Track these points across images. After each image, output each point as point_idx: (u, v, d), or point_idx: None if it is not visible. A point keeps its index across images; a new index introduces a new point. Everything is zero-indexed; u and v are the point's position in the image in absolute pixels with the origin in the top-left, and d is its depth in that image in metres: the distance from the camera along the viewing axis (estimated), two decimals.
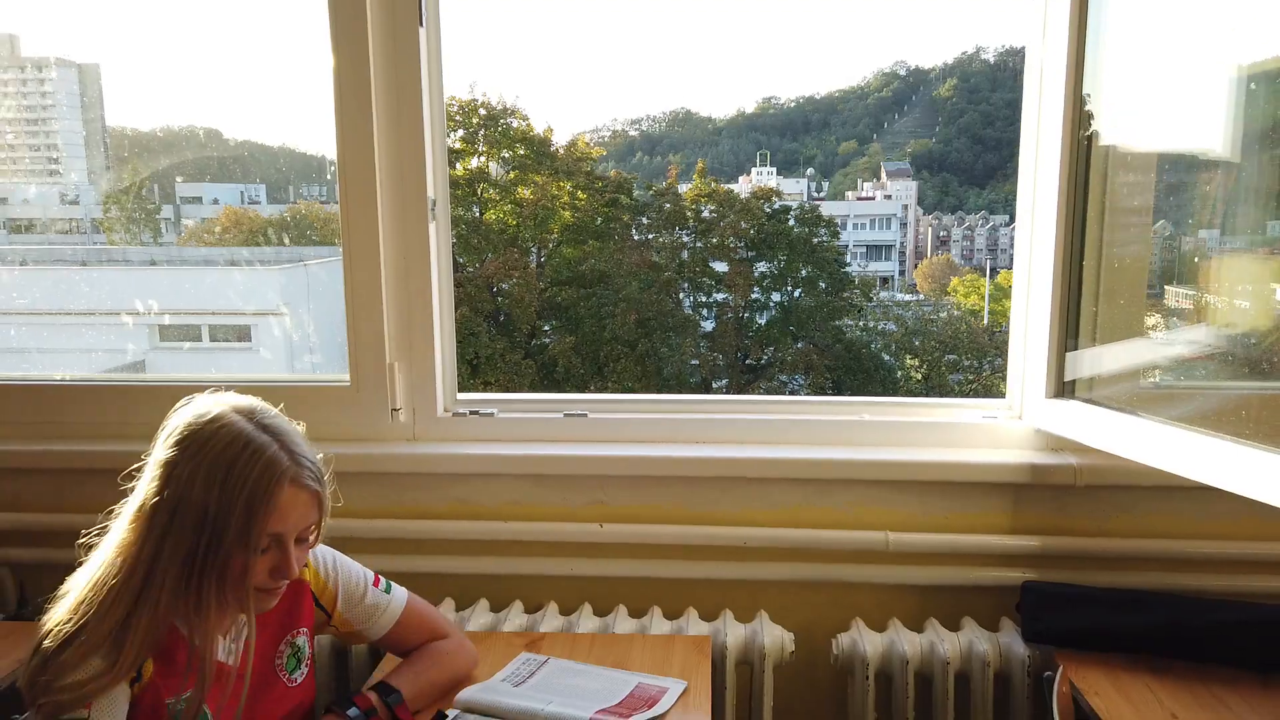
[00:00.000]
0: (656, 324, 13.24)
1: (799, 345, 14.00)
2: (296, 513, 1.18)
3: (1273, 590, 1.68)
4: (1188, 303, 1.80)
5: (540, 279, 13.55)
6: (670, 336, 13.32)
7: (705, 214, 14.58)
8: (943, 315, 16.55)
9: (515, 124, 14.20)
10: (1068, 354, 1.71)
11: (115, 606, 1.13)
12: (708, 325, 14.30)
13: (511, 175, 13.97)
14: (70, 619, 1.13)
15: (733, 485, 1.81)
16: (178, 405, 1.22)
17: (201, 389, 1.31)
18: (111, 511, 1.23)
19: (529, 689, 1.45)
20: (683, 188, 15.13)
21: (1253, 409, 1.50)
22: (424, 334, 1.86)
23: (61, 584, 1.20)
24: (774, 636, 1.69)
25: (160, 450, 1.17)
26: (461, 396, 1.92)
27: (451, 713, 1.39)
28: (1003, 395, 1.87)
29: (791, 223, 14.83)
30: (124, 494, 1.22)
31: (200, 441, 1.15)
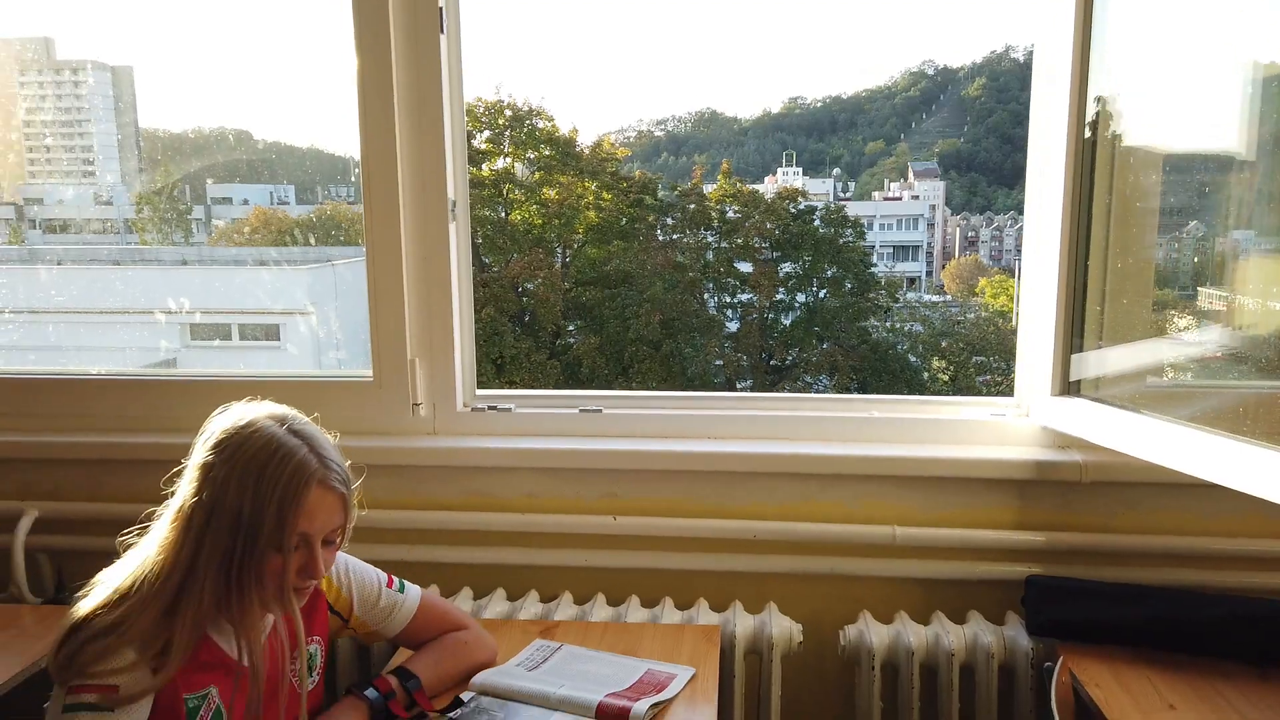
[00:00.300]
0: (680, 324, 13.28)
1: (824, 346, 13.98)
2: (324, 513, 1.23)
3: (1276, 586, 1.70)
4: (1200, 303, 1.81)
5: (565, 279, 13.62)
6: (694, 337, 13.35)
7: (730, 214, 14.59)
8: (970, 316, 16.44)
9: (540, 125, 14.29)
10: (1075, 354, 1.74)
11: (155, 602, 1.19)
12: (732, 326, 14.30)
13: (537, 176, 14.06)
14: (108, 610, 1.19)
15: (743, 480, 1.85)
16: (215, 412, 1.28)
17: (231, 384, 1.39)
18: (148, 506, 1.29)
19: (542, 673, 1.50)
20: (708, 188, 15.14)
21: (1255, 407, 1.52)
22: (444, 331, 1.91)
23: (96, 571, 1.27)
24: (782, 627, 1.73)
25: (198, 454, 1.23)
26: (480, 392, 1.98)
27: (468, 695, 1.44)
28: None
29: (817, 223, 14.80)
30: (157, 483, 1.28)
31: (235, 446, 1.21)
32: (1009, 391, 1.93)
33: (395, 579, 1.50)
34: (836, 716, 1.85)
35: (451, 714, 1.39)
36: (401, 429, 1.94)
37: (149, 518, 1.28)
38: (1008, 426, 1.85)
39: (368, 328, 1.94)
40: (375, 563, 1.52)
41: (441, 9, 1.81)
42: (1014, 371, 1.90)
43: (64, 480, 1.98)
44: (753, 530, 1.84)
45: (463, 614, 1.58)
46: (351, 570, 1.45)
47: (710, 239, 14.51)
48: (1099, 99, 1.66)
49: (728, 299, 14.45)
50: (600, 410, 1.94)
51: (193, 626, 1.20)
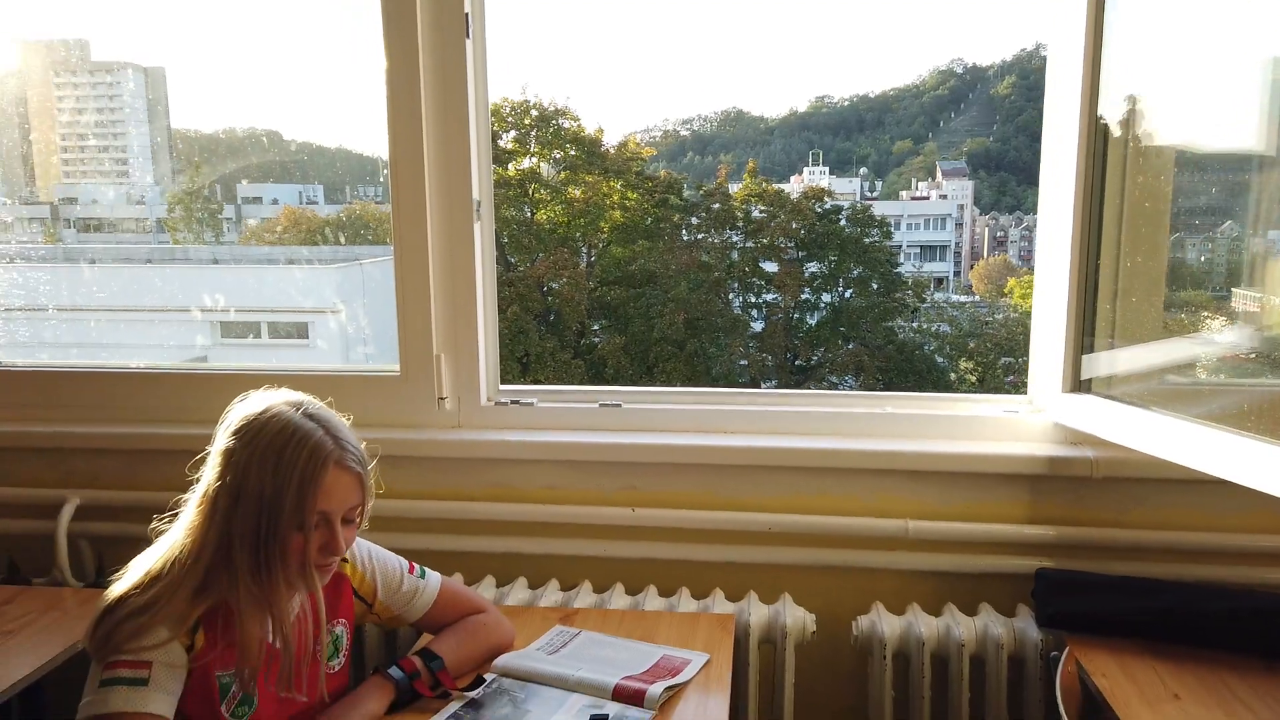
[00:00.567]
0: (705, 324, 13.29)
1: (849, 346, 13.94)
2: (341, 492, 1.29)
3: None
4: (1234, 304, 1.82)
5: (590, 278, 13.68)
6: (719, 337, 13.36)
7: (755, 214, 14.58)
8: (999, 317, 16.32)
9: (566, 124, 14.36)
10: (1086, 354, 1.76)
11: (185, 583, 1.25)
12: (757, 326, 14.29)
13: (562, 175, 14.13)
14: (141, 591, 1.25)
15: (758, 473, 1.89)
16: (235, 400, 1.34)
17: (262, 378, 1.44)
18: (180, 497, 1.36)
19: (561, 657, 1.56)
20: (733, 187, 15.14)
21: (1267, 405, 1.54)
22: (469, 327, 1.97)
23: (135, 556, 1.33)
24: (796, 617, 1.77)
25: (220, 440, 1.30)
26: (503, 387, 2.03)
27: (490, 676, 1.50)
28: None
29: (843, 223, 14.76)
30: (192, 477, 1.35)
31: (254, 431, 1.27)
32: None
33: (416, 566, 1.56)
34: (849, 705, 1.88)
35: (473, 693, 1.45)
36: (427, 422, 2.00)
37: (179, 504, 1.35)
38: (1021, 423, 1.88)
39: (395, 324, 2.00)
40: (402, 551, 1.58)
41: (467, 15, 1.87)
42: None
43: (104, 469, 2.06)
44: (768, 523, 1.88)
45: (481, 599, 1.63)
46: (375, 557, 1.51)
47: (735, 239, 14.50)
48: (1128, 97, 1.68)
49: (753, 299, 14.43)
50: (620, 405, 1.99)
51: (215, 605, 1.26)
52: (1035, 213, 1.87)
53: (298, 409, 1.31)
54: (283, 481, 1.24)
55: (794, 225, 14.49)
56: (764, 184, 15.33)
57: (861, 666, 1.81)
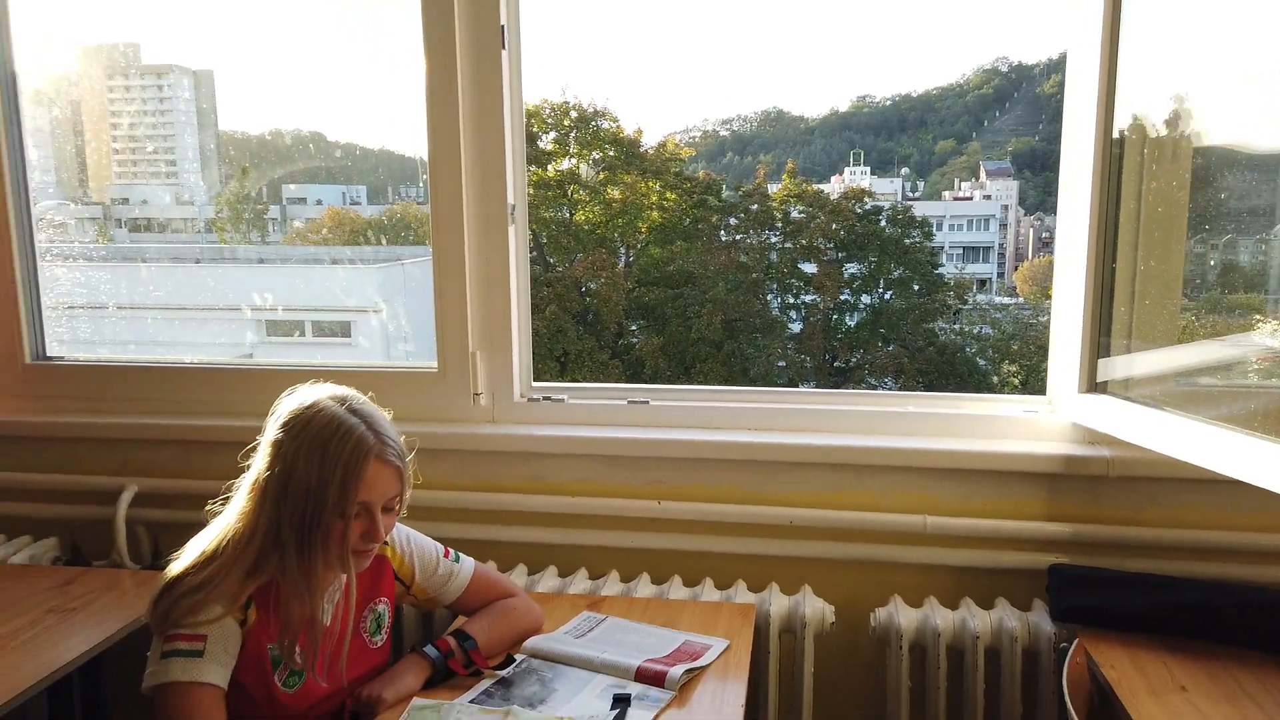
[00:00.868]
0: (743, 325, 13.30)
1: (889, 348, 13.85)
2: (382, 484, 1.38)
3: None
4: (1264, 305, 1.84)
5: (628, 279, 13.76)
6: (757, 338, 13.36)
7: (794, 215, 14.55)
8: (1043, 319, 16.10)
9: (606, 125, 14.45)
10: (1104, 355, 1.80)
11: (238, 564, 1.35)
12: (795, 327, 14.26)
13: (601, 176, 14.23)
14: (197, 570, 1.36)
15: (781, 469, 1.95)
16: (284, 394, 1.44)
17: (309, 374, 1.54)
18: (232, 482, 1.46)
19: (588, 641, 1.63)
20: (772, 188, 15.13)
21: (1272, 408, 1.57)
22: (503, 326, 2.06)
23: (188, 540, 1.44)
24: (815, 608, 1.83)
25: (270, 432, 1.39)
26: (535, 384, 2.11)
27: (519, 657, 1.58)
28: None
29: (883, 223, 14.67)
30: (243, 465, 1.45)
31: (302, 424, 1.36)
32: None
33: (451, 550, 1.65)
34: (867, 695, 1.93)
35: (504, 672, 1.53)
36: (463, 417, 2.09)
37: (231, 490, 1.45)
38: (1039, 422, 1.92)
39: (433, 323, 2.09)
40: (438, 539, 1.67)
41: (503, 27, 1.95)
42: None
43: (159, 459, 2.18)
44: (789, 517, 1.94)
45: (512, 584, 1.72)
46: (413, 541, 1.60)
47: (774, 239, 14.48)
48: (1146, 102, 1.70)
49: (791, 300, 14.40)
50: (647, 402, 2.06)
51: (265, 584, 1.36)
52: None
53: (342, 404, 1.40)
54: (327, 474, 1.33)
55: (833, 226, 14.43)
56: (803, 184, 15.29)
57: (879, 657, 1.86)
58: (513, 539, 2.03)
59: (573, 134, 14.37)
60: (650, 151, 14.56)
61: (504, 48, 1.96)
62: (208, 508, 1.47)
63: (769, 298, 14.22)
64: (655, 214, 14.00)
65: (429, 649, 1.52)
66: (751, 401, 2.04)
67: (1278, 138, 1.66)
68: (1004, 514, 1.88)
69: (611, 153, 14.31)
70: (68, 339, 2.35)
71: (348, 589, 1.43)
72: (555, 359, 12.10)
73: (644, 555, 2.00)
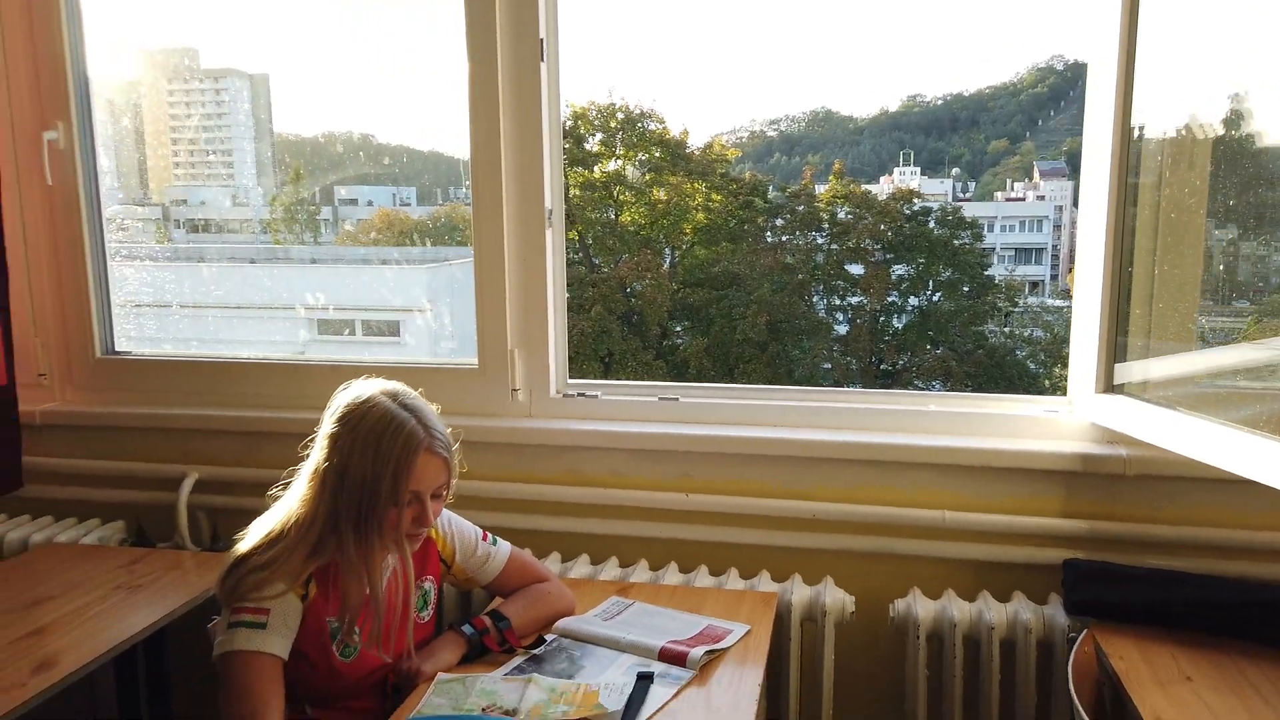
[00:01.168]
0: (788, 327, 13.28)
1: (937, 351, 13.73)
2: (430, 474, 1.49)
3: None
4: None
5: (672, 280, 13.82)
6: (802, 339, 13.32)
7: (841, 215, 14.48)
8: None
9: (652, 126, 14.52)
10: (1121, 356, 1.84)
11: (301, 546, 1.47)
12: (841, 329, 14.19)
13: (647, 177, 14.31)
14: (262, 551, 1.47)
15: (806, 464, 2.02)
16: (339, 389, 1.55)
17: (360, 370, 1.65)
18: (292, 469, 1.58)
19: (616, 623, 1.72)
20: (819, 189, 15.07)
21: None
22: (539, 325, 2.16)
23: (245, 525, 1.56)
24: (836, 598, 1.89)
25: (327, 425, 1.51)
26: (570, 380, 2.21)
27: (550, 637, 1.67)
28: None
29: (932, 225, 14.54)
30: (298, 456, 1.57)
31: (356, 419, 1.48)
32: None
33: (489, 534, 1.75)
34: (886, 683, 1.99)
35: (536, 651, 1.62)
36: (502, 411, 2.19)
37: (291, 475, 1.57)
38: (1059, 422, 1.96)
39: (474, 321, 2.20)
40: (477, 527, 1.77)
41: (542, 41, 2.05)
42: None
43: (219, 448, 2.31)
44: (812, 510, 2.01)
45: (545, 569, 1.81)
46: (454, 524, 1.71)
47: (820, 241, 14.43)
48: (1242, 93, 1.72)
49: (837, 301, 14.33)
50: (677, 399, 2.15)
51: (325, 565, 1.47)
52: None
53: (394, 399, 1.50)
54: (381, 466, 1.44)
55: (881, 227, 14.34)
56: (850, 185, 15.21)
57: (898, 647, 1.92)
58: (548, 528, 2.12)
59: (619, 135, 14.47)
60: (696, 153, 14.60)
61: (543, 59, 2.06)
62: (269, 493, 1.59)
63: (815, 299, 14.17)
64: (700, 215, 14.04)
65: (465, 627, 1.62)
66: (777, 399, 2.11)
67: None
68: (1022, 510, 1.93)
69: (657, 154, 14.38)
70: (135, 335, 2.51)
71: (404, 570, 1.54)
72: (599, 359, 12.20)
73: (672, 545, 2.08)
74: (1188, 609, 1.65)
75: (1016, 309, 15.03)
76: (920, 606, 1.87)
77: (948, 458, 1.95)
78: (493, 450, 2.14)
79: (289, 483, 1.57)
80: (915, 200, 14.80)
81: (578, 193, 12.89)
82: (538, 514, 2.13)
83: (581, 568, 2.05)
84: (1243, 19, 1.65)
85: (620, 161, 14.40)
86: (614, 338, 12.64)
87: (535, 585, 1.76)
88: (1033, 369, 13.92)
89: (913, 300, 14.27)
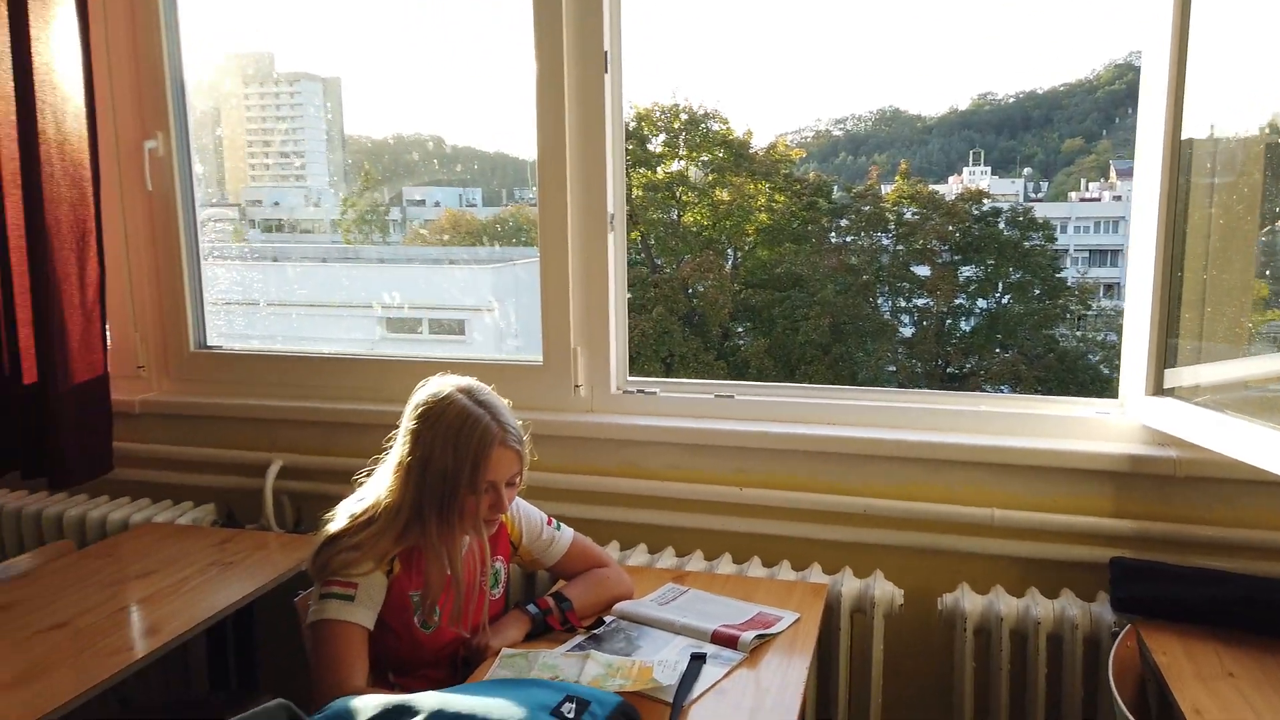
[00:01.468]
0: (851, 328, 13.18)
1: (1006, 354, 13.49)
2: (505, 465, 1.61)
3: None
4: None
5: (735, 281, 13.83)
6: (866, 341, 13.21)
7: (907, 216, 14.32)
8: None
9: (715, 127, 14.55)
10: (1171, 358, 1.86)
11: (389, 530, 1.60)
12: (906, 331, 14.03)
13: (710, 178, 14.34)
14: (352, 533, 1.61)
15: (856, 461, 2.09)
16: (418, 386, 1.67)
17: (433, 366, 1.77)
18: (363, 459, 1.71)
19: (671, 608, 1.81)
20: (885, 189, 14.92)
21: None
22: (601, 325, 2.26)
23: (325, 511, 1.69)
24: (885, 590, 1.95)
25: (408, 420, 1.64)
26: (630, 378, 2.31)
27: (609, 619, 1.77)
28: None
29: (1001, 225, 14.29)
30: (374, 445, 1.70)
31: (436, 415, 1.60)
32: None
33: (554, 520, 1.86)
34: (933, 673, 2.04)
35: (595, 631, 1.72)
36: (565, 406, 2.30)
37: (374, 463, 1.69)
38: (1110, 423, 1.99)
39: (539, 321, 2.31)
40: None
41: (606, 53, 2.15)
42: None
43: (302, 437, 2.47)
44: (863, 506, 2.07)
45: (606, 554, 1.91)
46: (521, 509, 1.82)
47: (886, 242, 14.29)
48: (1219, 110, 1.75)
49: (902, 303, 14.17)
50: (733, 397, 2.23)
51: (410, 548, 1.60)
52: None
53: (470, 396, 1.62)
54: (460, 458, 1.56)
55: (949, 228, 14.14)
56: (917, 185, 15.03)
57: (946, 641, 1.97)
58: (607, 518, 2.22)
59: (682, 136, 14.53)
60: (760, 153, 14.58)
61: (606, 71, 2.16)
62: (354, 479, 1.72)
63: (879, 301, 14.04)
64: (763, 216, 14.03)
65: (531, 606, 1.73)
66: (830, 398, 2.18)
67: None
68: (1072, 510, 1.96)
69: (720, 154, 14.40)
70: (226, 332, 2.68)
71: (480, 551, 1.66)
72: (661, 360, 12.28)
73: (726, 537, 2.16)
74: (1233, 607, 1.67)
75: (1090, 312, 14.68)
76: (968, 601, 1.92)
77: (998, 457, 1.99)
78: (555, 443, 2.24)
79: (372, 470, 1.70)
80: (984, 200, 14.56)
81: (640, 193, 12.99)
82: (598, 504, 2.23)
83: (639, 556, 2.14)
84: None
85: (683, 162, 14.46)
86: (675, 338, 12.70)
87: (596, 570, 1.86)
88: (1106, 374, 13.59)
89: (981, 302, 14.04)
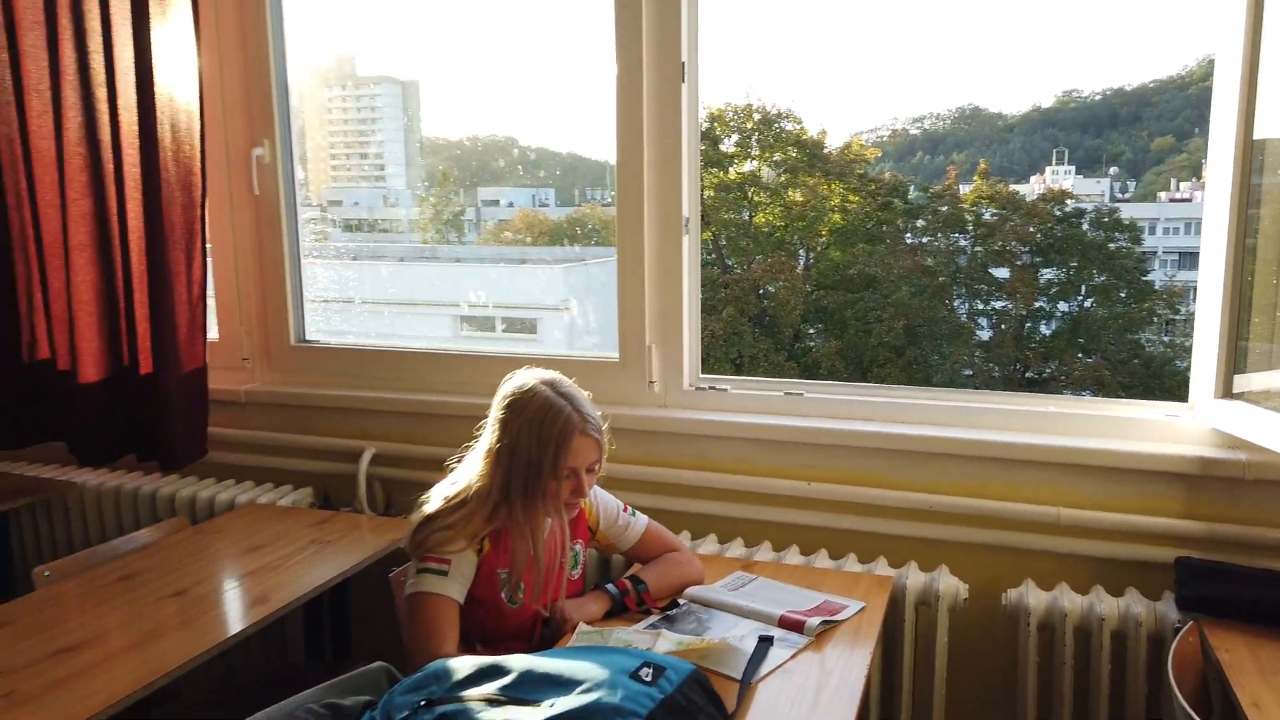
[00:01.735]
0: (926, 331, 13.01)
1: (1089, 360, 13.15)
2: (585, 453, 1.72)
3: None
4: None
5: (807, 282, 13.77)
6: (941, 344, 13.02)
7: (986, 217, 14.06)
8: None
9: (789, 127, 14.50)
10: (1241, 362, 1.87)
11: (479, 513, 1.73)
12: (983, 334, 13.79)
13: (783, 178, 14.30)
14: (447, 515, 1.73)
15: (922, 458, 2.14)
16: (506, 378, 1.79)
17: (517, 361, 1.89)
18: (448, 448, 1.84)
19: (740, 594, 1.90)
20: (964, 189, 14.67)
21: None
22: (674, 323, 2.35)
23: (414, 495, 1.82)
24: (949, 584, 2.00)
25: (496, 410, 1.76)
26: (702, 375, 2.40)
27: (682, 601, 1.87)
28: None
29: (1085, 227, 13.93)
30: (460, 434, 1.83)
31: (521, 406, 1.72)
32: None
33: (630, 507, 1.96)
34: (997, 667, 2.08)
35: (669, 612, 1.82)
36: (639, 401, 2.40)
37: (464, 450, 1.82)
38: (1179, 426, 2.01)
39: (614, 318, 2.42)
40: None
41: (683, 64, 2.24)
42: None
43: (392, 426, 2.62)
44: (929, 502, 2.12)
45: (678, 540, 2.01)
46: (599, 496, 1.93)
47: (963, 243, 14.05)
48: None
49: (980, 306, 13.92)
50: (802, 394, 2.30)
51: (498, 529, 1.72)
52: None
53: (552, 387, 1.74)
54: (543, 446, 1.68)
55: (1029, 229, 13.84)
56: (997, 184, 14.74)
57: (1010, 635, 2.01)
58: (679, 509, 2.32)
59: (754, 136, 14.52)
60: (834, 153, 14.47)
61: (683, 81, 2.25)
62: (446, 464, 1.85)
63: (956, 303, 13.82)
64: (837, 216, 13.93)
65: (609, 586, 1.84)
66: (897, 397, 2.23)
67: None
68: (1139, 510, 1.98)
69: (794, 154, 14.35)
70: (324, 328, 2.86)
71: (563, 535, 1.78)
72: (731, 361, 12.31)
73: (794, 530, 2.24)
74: None
75: (1178, 316, 14.22)
76: (1032, 596, 1.96)
77: (1066, 457, 2.02)
78: (630, 437, 2.34)
79: (462, 457, 1.82)
80: (1067, 201, 14.20)
81: (712, 194, 13.04)
82: (670, 495, 2.33)
83: (709, 546, 2.23)
84: None
85: (756, 162, 14.45)
86: (745, 339, 12.71)
87: (669, 554, 1.96)
88: None
89: (1062, 306, 13.71)
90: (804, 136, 14.38)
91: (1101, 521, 2.00)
